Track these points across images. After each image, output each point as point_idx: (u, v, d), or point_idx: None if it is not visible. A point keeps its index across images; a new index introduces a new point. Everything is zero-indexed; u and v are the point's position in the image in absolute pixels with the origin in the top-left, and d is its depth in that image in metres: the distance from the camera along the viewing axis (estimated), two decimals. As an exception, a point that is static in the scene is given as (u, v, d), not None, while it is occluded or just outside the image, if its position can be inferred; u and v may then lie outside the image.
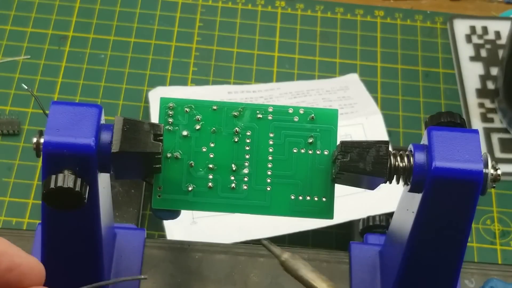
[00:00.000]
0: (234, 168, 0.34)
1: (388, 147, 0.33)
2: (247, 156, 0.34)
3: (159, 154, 0.32)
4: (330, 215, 0.34)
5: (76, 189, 0.31)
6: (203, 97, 0.48)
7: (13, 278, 0.27)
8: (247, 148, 0.34)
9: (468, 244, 0.39)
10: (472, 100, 0.63)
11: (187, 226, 0.52)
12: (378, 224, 0.50)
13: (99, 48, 0.65)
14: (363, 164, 0.32)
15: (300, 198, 0.34)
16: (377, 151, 0.32)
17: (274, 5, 0.70)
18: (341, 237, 0.54)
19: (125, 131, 0.31)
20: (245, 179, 0.34)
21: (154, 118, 0.59)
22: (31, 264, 0.28)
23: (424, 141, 0.34)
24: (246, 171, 0.34)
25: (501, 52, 0.64)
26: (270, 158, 0.34)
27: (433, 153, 0.33)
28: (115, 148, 0.31)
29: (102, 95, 0.62)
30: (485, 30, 0.68)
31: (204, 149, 0.34)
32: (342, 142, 0.33)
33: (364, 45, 0.68)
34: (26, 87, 0.33)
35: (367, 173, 0.32)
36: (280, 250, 0.33)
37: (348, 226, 0.53)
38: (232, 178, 0.34)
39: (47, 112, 0.32)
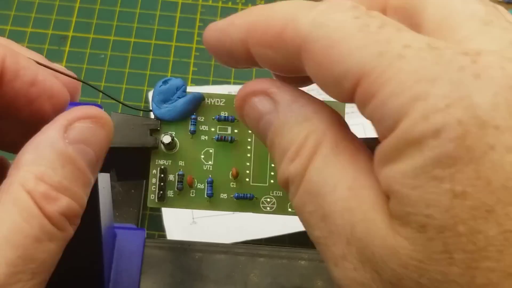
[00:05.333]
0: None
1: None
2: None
3: (156, 148, 0.32)
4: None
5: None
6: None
7: (34, 94, 0.27)
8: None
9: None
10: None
11: (187, 226, 0.52)
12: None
13: (99, 48, 0.65)
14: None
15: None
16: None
17: (274, 5, 0.70)
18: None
19: (122, 127, 0.32)
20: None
21: (154, 118, 0.59)
22: (53, 84, 0.28)
23: None
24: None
25: (501, 52, 0.64)
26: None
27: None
28: (112, 143, 0.31)
29: (102, 95, 0.62)
30: (485, 30, 0.68)
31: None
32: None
33: (364, 45, 0.68)
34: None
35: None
36: None
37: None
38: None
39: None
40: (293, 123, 0.23)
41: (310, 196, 0.22)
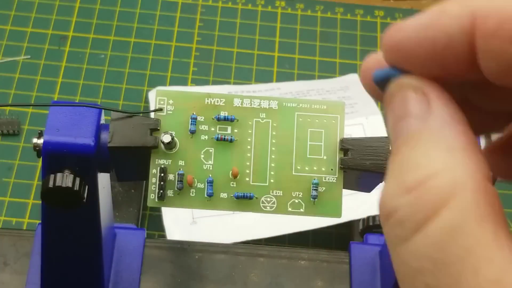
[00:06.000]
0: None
1: (388, 143, 0.33)
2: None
3: (156, 147, 0.32)
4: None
5: (75, 189, 0.31)
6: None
7: None
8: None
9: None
10: (472, 100, 0.63)
11: (187, 226, 0.52)
12: (378, 224, 0.50)
13: (99, 48, 0.65)
14: (364, 161, 0.32)
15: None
16: (377, 147, 0.33)
17: (274, 5, 0.70)
18: (341, 237, 0.54)
19: (122, 126, 0.32)
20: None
21: (154, 118, 0.59)
22: None
23: None
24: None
25: (501, 52, 0.64)
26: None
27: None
28: (112, 142, 0.31)
29: (102, 95, 0.62)
30: (485, 30, 0.68)
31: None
32: (342, 140, 0.33)
33: (364, 45, 0.68)
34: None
35: (367, 168, 0.32)
36: None
37: (348, 226, 0.53)
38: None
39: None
40: (435, 144, 0.18)
41: (430, 262, 0.16)
